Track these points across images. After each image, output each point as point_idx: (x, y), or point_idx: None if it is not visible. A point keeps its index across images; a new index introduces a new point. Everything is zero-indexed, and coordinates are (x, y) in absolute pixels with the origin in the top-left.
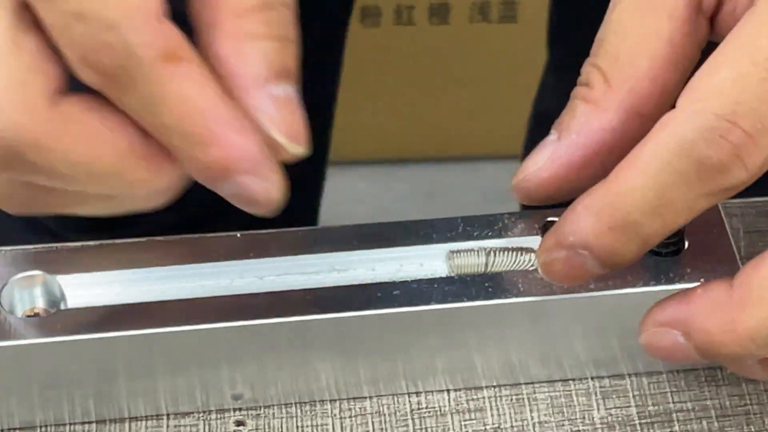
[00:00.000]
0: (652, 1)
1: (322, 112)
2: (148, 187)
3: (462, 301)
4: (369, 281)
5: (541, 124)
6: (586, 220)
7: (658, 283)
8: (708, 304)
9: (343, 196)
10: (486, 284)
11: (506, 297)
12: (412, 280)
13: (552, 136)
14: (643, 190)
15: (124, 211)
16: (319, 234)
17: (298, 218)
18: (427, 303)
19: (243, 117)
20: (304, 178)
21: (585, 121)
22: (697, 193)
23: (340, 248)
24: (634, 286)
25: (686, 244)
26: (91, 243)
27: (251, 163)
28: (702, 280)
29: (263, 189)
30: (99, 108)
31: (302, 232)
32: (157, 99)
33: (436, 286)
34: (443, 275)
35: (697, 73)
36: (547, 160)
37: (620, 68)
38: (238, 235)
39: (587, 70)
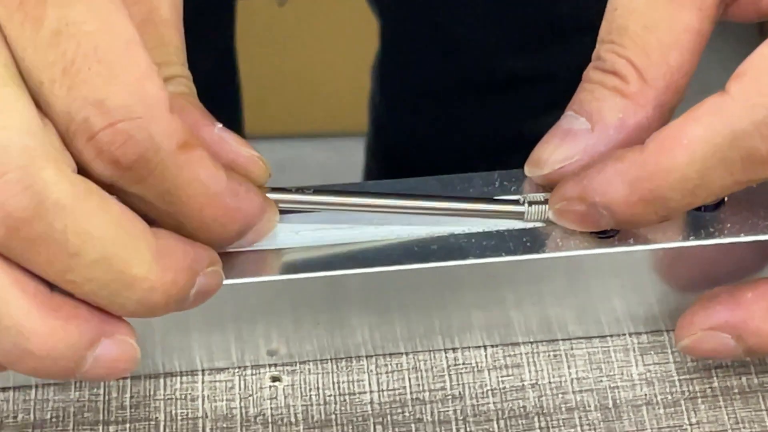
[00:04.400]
0: None
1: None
2: (144, 289)
3: (500, 255)
4: (406, 236)
5: None
6: (617, 187)
7: (697, 237)
8: (763, 307)
9: None
10: (524, 239)
11: (544, 252)
12: (449, 235)
13: (579, 124)
14: (685, 171)
15: (115, 309)
16: (356, 189)
17: None
18: (465, 258)
19: (244, 180)
20: None
21: (623, 117)
22: (736, 179)
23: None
24: (673, 240)
25: (726, 198)
26: None
27: (260, 213)
28: (742, 234)
29: (270, 225)
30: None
31: (338, 188)
32: (175, 188)
33: (473, 240)
34: (480, 230)
35: (754, 62)
36: (583, 153)
37: (654, 64)
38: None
39: (612, 58)
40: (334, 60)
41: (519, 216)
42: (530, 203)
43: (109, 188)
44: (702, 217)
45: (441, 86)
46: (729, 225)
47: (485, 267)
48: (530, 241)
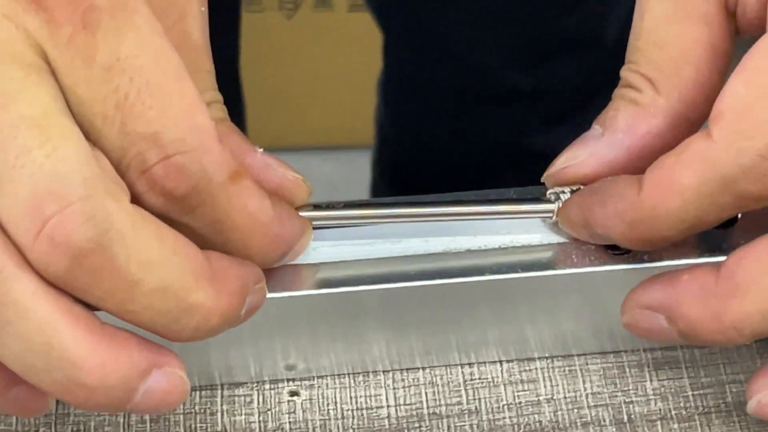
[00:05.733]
0: (685, 8)
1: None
2: (202, 315)
3: (515, 272)
4: (422, 252)
5: None
6: (617, 225)
7: (712, 254)
8: (694, 291)
9: None
10: (539, 255)
11: (560, 268)
12: (465, 251)
13: (594, 131)
14: (679, 214)
15: (172, 336)
16: (382, 202)
17: None
18: (481, 274)
19: (287, 205)
20: None
21: (632, 123)
22: (730, 213)
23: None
24: (687, 257)
25: (739, 215)
26: None
27: (300, 236)
28: None
29: (306, 245)
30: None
31: (366, 201)
32: (225, 218)
33: (489, 257)
34: (496, 247)
35: (731, 101)
36: (589, 156)
37: (666, 77)
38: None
39: (630, 75)
40: (341, 73)
41: (549, 213)
42: (558, 198)
43: (158, 217)
44: (715, 234)
45: (445, 100)
46: (743, 242)
47: (501, 283)
48: (545, 257)
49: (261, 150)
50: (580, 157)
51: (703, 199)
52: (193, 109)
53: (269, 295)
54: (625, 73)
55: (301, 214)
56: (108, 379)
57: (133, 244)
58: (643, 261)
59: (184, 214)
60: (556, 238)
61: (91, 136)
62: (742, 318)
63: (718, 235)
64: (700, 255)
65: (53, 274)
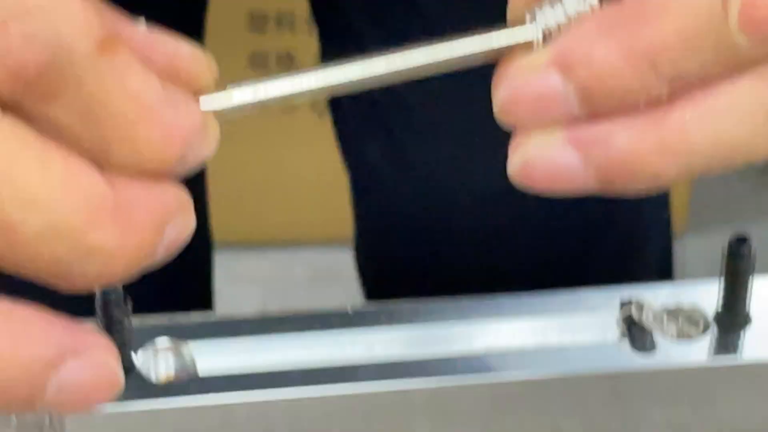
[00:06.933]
0: None
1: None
2: (104, 258)
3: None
4: (478, 352)
5: None
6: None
7: (725, 353)
8: (595, 28)
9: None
10: (564, 356)
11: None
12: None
13: None
14: None
15: (69, 285)
16: (425, 306)
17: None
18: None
19: (179, 87)
20: (194, 261)
21: None
22: None
23: (447, 320)
24: (700, 359)
25: (752, 319)
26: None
27: (203, 128)
28: None
29: (212, 144)
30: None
31: (408, 306)
32: (98, 103)
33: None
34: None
35: None
36: None
37: None
38: (349, 309)
39: None
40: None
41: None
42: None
43: (12, 111)
44: (728, 336)
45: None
46: (755, 344)
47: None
48: (569, 358)
49: (144, 25)
50: None
51: None
52: None
53: (316, 392)
54: None
55: (203, 99)
56: (4, 372)
57: (6, 175)
58: (659, 363)
59: (45, 102)
60: (584, 338)
61: None
62: (659, 44)
63: (731, 338)
64: (715, 353)
65: None
